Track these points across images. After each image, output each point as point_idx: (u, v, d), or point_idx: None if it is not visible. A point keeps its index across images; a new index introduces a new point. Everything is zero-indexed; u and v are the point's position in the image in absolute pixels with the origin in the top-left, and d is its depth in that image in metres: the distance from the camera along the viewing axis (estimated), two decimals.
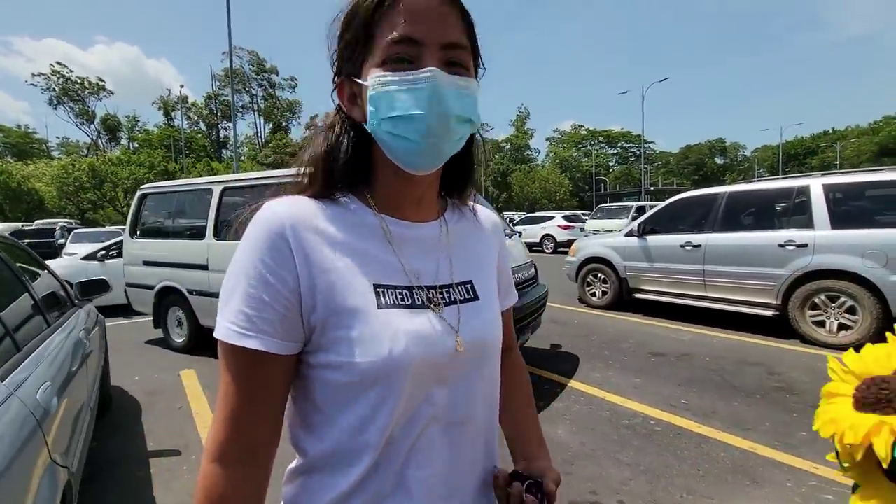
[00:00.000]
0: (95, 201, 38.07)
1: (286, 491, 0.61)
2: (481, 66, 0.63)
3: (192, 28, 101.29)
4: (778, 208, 5.09)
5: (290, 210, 0.56)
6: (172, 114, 50.52)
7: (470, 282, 0.66)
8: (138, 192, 5.37)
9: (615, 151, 68.42)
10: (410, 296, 0.58)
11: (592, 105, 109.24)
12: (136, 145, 48.42)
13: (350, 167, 0.60)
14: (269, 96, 56.89)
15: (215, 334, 0.53)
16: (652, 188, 42.21)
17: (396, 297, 0.57)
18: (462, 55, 0.57)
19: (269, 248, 0.53)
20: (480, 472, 0.65)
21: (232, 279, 0.54)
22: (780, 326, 4.94)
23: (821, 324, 4.58)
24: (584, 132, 67.71)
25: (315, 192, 0.60)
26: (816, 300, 4.59)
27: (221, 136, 53.09)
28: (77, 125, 47.75)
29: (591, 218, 17.14)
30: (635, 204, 16.54)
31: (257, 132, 57.27)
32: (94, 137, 49.38)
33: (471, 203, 0.74)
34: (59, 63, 45.65)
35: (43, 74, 44.31)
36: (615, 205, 18.48)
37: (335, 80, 0.61)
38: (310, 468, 0.58)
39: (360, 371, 0.53)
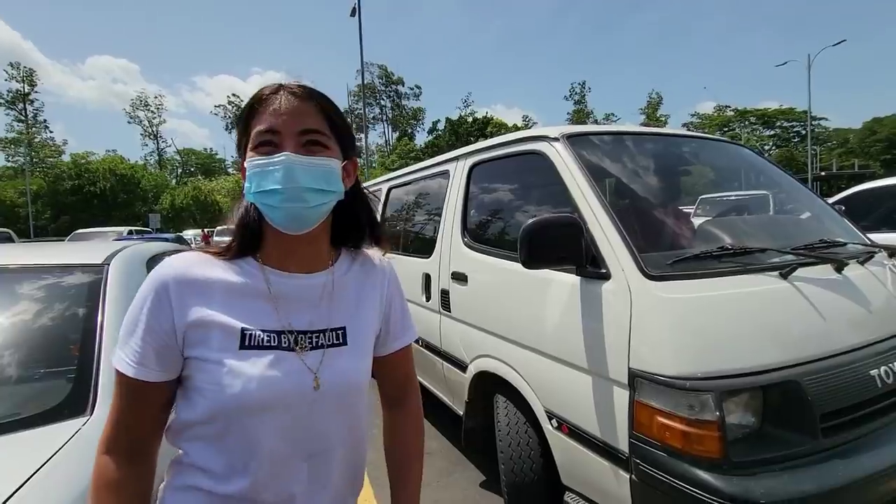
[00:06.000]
0: None
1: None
2: (354, 147, 0.76)
3: (325, 49, 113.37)
4: None
5: (179, 266, 0.70)
6: None
7: (343, 328, 0.76)
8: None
9: (772, 133, 58.78)
10: (278, 338, 0.71)
11: (739, 82, 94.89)
12: None
13: (251, 234, 0.74)
14: (396, 106, 61.19)
15: (112, 361, 0.69)
16: (822, 173, 34.95)
17: (262, 339, 0.69)
18: (318, 138, 0.70)
19: (153, 298, 0.68)
20: (345, 499, 0.79)
21: (128, 319, 0.69)
22: None
23: None
24: (731, 113, 59.45)
25: (229, 256, 0.73)
26: None
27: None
28: None
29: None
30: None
31: (386, 140, 61.86)
32: None
33: (365, 251, 0.85)
34: (233, 94, 54.82)
35: (221, 105, 53.65)
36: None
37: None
38: (180, 465, 0.72)
39: (210, 405, 0.66)
